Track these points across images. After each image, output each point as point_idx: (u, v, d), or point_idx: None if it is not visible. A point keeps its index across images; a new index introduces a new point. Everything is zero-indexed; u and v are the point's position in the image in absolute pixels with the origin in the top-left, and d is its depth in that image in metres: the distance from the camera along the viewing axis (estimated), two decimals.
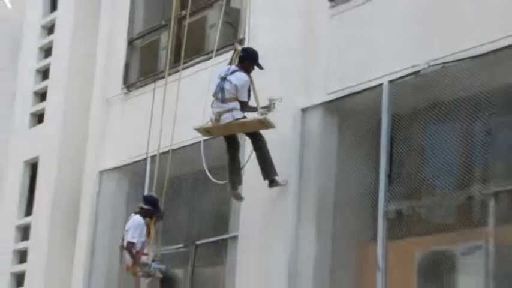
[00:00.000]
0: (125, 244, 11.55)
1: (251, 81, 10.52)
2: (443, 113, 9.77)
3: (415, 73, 9.74)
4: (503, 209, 8.93)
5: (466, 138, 9.66)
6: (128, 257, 11.59)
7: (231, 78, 10.42)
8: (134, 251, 11.42)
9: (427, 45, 9.72)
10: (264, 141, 10.55)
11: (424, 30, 9.83)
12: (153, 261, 11.69)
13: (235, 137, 10.78)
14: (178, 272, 12.56)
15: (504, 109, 9.19)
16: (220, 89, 10.44)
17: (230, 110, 10.38)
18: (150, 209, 11.69)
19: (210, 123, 10.62)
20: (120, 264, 12.06)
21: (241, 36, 11.89)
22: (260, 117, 10.35)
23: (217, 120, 10.46)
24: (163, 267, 11.74)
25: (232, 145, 10.76)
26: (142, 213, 11.65)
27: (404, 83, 9.89)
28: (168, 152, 12.51)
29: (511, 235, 8.77)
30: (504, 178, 9.13)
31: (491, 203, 8.90)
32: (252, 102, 10.56)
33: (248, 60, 10.59)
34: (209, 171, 11.52)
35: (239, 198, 10.93)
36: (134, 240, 11.39)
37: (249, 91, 10.44)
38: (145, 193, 12.73)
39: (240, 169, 10.80)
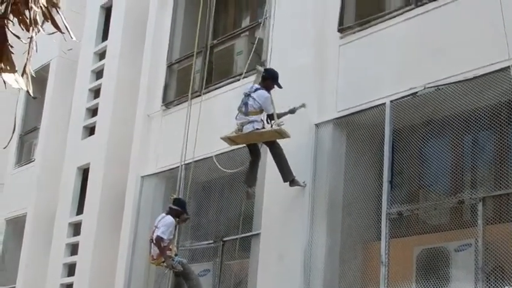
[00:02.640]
0: (154, 238, 11.48)
1: (271, 97, 10.43)
2: (438, 128, 9.67)
3: (413, 94, 9.63)
4: (490, 212, 8.80)
5: (457, 150, 9.54)
6: (154, 249, 11.51)
7: (254, 95, 10.33)
8: (162, 245, 11.34)
9: (423, 70, 9.63)
10: (281, 149, 10.40)
11: (420, 56, 9.75)
12: (176, 255, 11.62)
13: (256, 146, 10.65)
14: (208, 265, 12.47)
15: (489, 125, 9.06)
16: (244, 104, 10.35)
17: (251, 122, 10.29)
18: (178, 209, 11.63)
19: (234, 133, 10.52)
20: (149, 255, 11.92)
21: (263, 64, 11.80)
22: (276, 127, 10.23)
23: (240, 130, 10.37)
24: (184, 260, 11.68)
25: (254, 152, 10.66)
26: (172, 213, 11.58)
27: (404, 102, 9.77)
28: (200, 160, 12.45)
29: (497, 234, 8.61)
30: (490, 185, 9.01)
31: (480, 207, 8.73)
32: None
33: (269, 79, 10.49)
34: (233, 176, 11.47)
35: (251, 196, 10.76)
36: (164, 237, 11.29)
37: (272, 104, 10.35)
38: (181, 195, 12.65)
39: (256, 173, 10.63)
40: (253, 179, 10.60)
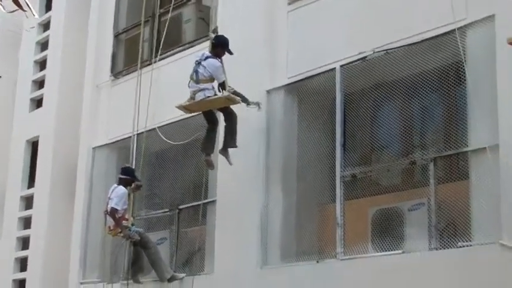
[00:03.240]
0: (108, 210, 11.58)
1: (222, 63, 10.51)
2: (388, 91, 9.88)
3: (363, 58, 9.81)
4: (441, 171, 9.07)
5: (408, 112, 9.78)
6: (110, 221, 11.62)
7: (204, 63, 10.40)
8: (117, 216, 11.46)
9: (372, 34, 9.80)
10: (234, 116, 10.52)
11: (368, 21, 9.91)
12: (132, 225, 11.75)
13: (212, 113, 10.73)
14: (164, 233, 12.60)
15: (438, 87, 9.31)
16: (195, 71, 10.43)
17: (202, 90, 10.37)
18: (128, 178, 11.75)
19: (187, 102, 10.58)
20: (104, 227, 12.01)
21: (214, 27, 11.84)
22: (226, 94, 10.31)
23: (192, 98, 10.46)
24: (141, 230, 11.82)
25: (210, 120, 10.75)
26: (122, 182, 11.68)
27: (354, 66, 9.96)
28: (152, 129, 12.51)
29: (448, 193, 8.89)
30: (440, 146, 9.28)
31: (431, 167, 9.00)
32: None
33: (219, 46, 10.55)
34: (186, 145, 11.60)
35: (210, 165, 10.82)
36: (118, 207, 11.42)
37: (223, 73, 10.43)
38: (133, 166, 12.73)
39: (213, 140, 10.70)
40: (210, 146, 10.69)
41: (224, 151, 10.55)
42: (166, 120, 12.33)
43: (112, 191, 11.69)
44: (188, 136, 11.85)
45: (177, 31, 13.06)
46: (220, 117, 10.80)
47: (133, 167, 12.35)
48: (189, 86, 10.51)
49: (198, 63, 10.44)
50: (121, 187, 11.61)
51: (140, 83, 12.76)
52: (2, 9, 4.36)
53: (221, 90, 10.39)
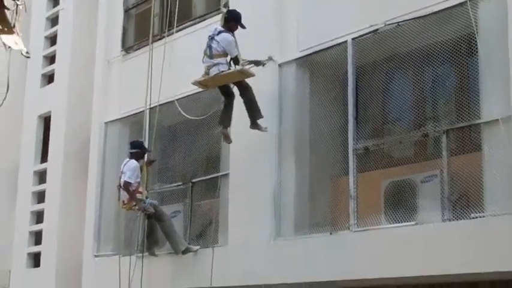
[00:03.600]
0: (122, 184, 11.68)
1: (234, 37, 10.54)
2: (400, 63, 9.89)
3: (374, 31, 9.83)
4: (453, 143, 9.11)
5: (420, 84, 9.81)
6: (124, 195, 11.72)
7: (217, 38, 10.42)
8: (131, 189, 11.56)
9: (383, 7, 9.80)
10: (250, 88, 10.55)
11: None
12: (147, 198, 11.86)
13: (228, 87, 10.75)
14: (178, 206, 12.70)
15: (450, 58, 9.32)
16: (209, 46, 10.45)
17: (216, 64, 10.39)
18: (138, 151, 11.85)
19: (202, 77, 10.61)
20: (118, 201, 12.12)
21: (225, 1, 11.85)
22: (240, 67, 10.34)
23: (207, 73, 10.50)
24: (155, 202, 11.93)
25: (226, 94, 10.79)
26: (134, 156, 11.79)
27: (365, 39, 9.97)
28: (165, 103, 12.56)
29: (460, 164, 8.94)
30: (453, 118, 9.31)
31: (444, 139, 9.05)
32: None
33: (232, 21, 10.56)
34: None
35: (227, 138, 10.85)
36: (131, 181, 11.55)
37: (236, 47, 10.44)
38: (146, 140, 12.83)
39: (230, 114, 10.74)
40: (227, 119, 10.74)
41: (254, 125, 10.61)
42: (179, 94, 12.37)
43: (124, 165, 11.80)
44: (201, 110, 11.91)
45: (188, 5, 13.06)
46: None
47: (142, 140, 12.41)
48: (203, 62, 10.54)
49: (211, 38, 10.46)
50: (133, 161, 11.72)
51: (152, 57, 12.76)
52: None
53: (234, 64, 10.41)
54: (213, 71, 10.41)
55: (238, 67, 10.36)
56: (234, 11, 10.72)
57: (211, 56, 10.43)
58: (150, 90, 12.53)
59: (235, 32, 10.54)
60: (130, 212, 12.27)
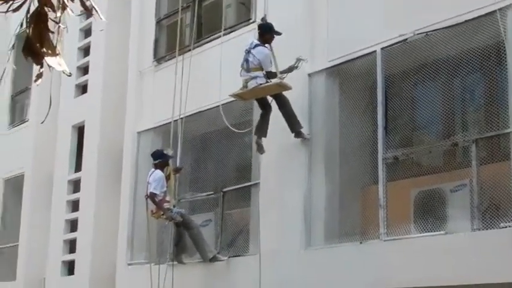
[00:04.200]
0: (148, 195, 11.82)
1: (271, 50, 10.61)
2: (429, 73, 9.91)
3: (403, 41, 9.84)
4: (482, 153, 9.09)
5: (449, 93, 9.81)
6: (152, 205, 11.86)
7: (253, 51, 10.55)
8: (157, 200, 11.71)
9: (412, 16, 9.81)
10: (287, 100, 10.66)
11: (408, 4, 9.93)
12: (174, 206, 11.97)
13: (265, 99, 10.86)
14: (209, 215, 12.78)
15: (479, 68, 9.31)
16: (245, 60, 10.58)
17: (254, 78, 10.52)
18: (161, 161, 11.96)
19: (240, 90, 10.74)
20: (146, 211, 12.25)
21: (252, 17, 11.96)
22: (278, 81, 10.47)
23: (245, 86, 10.64)
24: (182, 211, 12.02)
25: (263, 106, 10.92)
26: (158, 166, 11.92)
27: (394, 49, 9.99)
28: (195, 114, 12.65)
29: (490, 174, 8.92)
30: (482, 127, 9.30)
31: (473, 148, 9.03)
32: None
33: (266, 33, 10.68)
34: (229, 128, 11.74)
35: (261, 149, 10.90)
36: (156, 191, 11.70)
37: (271, 61, 10.54)
38: (179, 149, 12.92)
39: (267, 125, 10.83)
40: (263, 130, 10.84)
41: (297, 135, 10.72)
42: (209, 104, 12.45)
43: (150, 176, 11.95)
44: (231, 120, 11.97)
45: (218, 16, 13.15)
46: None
47: (162, 149, 12.47)
48: (240, 75, 10.67)
49: (248, 51, 10.59)
50: (158, 171, 11.88)
51: (182, 68, 12.83)
52: (71, 12, 4.53)
53: (268, 78, 10.48)
54: (251, 84, 10.55)
55: (276, 80, 10.48)
56: (265, 23, 10.82)
57: (248, 70, 10.56)
58: (180, 100, 12.55)
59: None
60: (160, 220, 12.38)
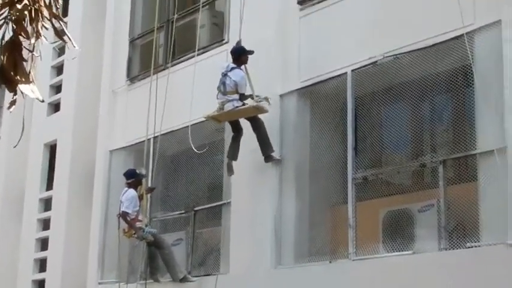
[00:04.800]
0: (120, 213, 11.85)
1: (246, 72, 10.74)
2: (398, 94, 10.04)
3: (373, 63, 10.00)
4: (450, 173, 9.24)
5: (417, 115, 9.95)
6: (123, 223, 11.88)
7: (230, 74, 10.69)
8: (129, 219, 11.74)
9: (381, 40, 9.97)
10: (261, 123, 10.80)
11: (378, 27, 10.08)
12: (146, 226, 11.99)
13: (238, 122, 11.02)
14: (180, 234, 12.80)
15: (447, 90, 9.47)
16: (222, 83, 10.72)
17: (231, 101, 10.67)
18: (133, 180, 11.99)
19: (216, 112, 10.87)
20: (118, 230, 12.26)
21: (225, 38, 12.09)
22: (254, 104, 10.64)
23: (221, 108, 10.77)
24: (154, 231, 12.04)
25: (235, 128, 11.07)
26: (132, 185, 11.95)
27: (365, 71, 10.13)
28: (167, 133, 12.70)
29: (457, 194, 9.06)
30: (449, 148, 9.44)
31: (440, 169, 9.16)
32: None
33: (240, 56, 10.83)
34: (200, 147, 11.81)
35: (231, 170, 11.05)
36: (128, 211, 11.73)
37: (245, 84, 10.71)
38: (150, 168, 12.96)
39: (238, 147, 10.98)
40: (235, 153, 10.99)
41: (267, 159, 10.82)
42: (181, 124, 12.51)
43: (123, 195, 11.97)
44: (202, 140, 12.04)
45: (192, 36, 13.24)
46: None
47: (134, 168, 12.49)
48: (217, 98, 10.81)
49: (225, 74, 10.71)
50: (131, 190, 11.91)
51: (156, 87, 12.91)
52: (45, 40, 4.63)
53: (241, 100, 10.62)
54: (228, 107, 10.69)
55: (252, 103, 10.64)
56: (236, 48, 10.96)
57: (224, 93, 10.70)
58: (154, 119, 12.61)
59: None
60: (131, 239, 12.38)
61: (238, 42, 11.20)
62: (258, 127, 10.81)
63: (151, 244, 12.03)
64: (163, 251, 11.97)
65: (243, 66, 10.78)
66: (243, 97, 10.64)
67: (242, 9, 11.24)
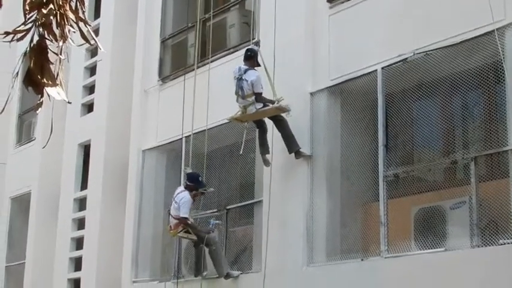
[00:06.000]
0: (172, 212, 11.84)
1: (267, 74, 10.80)
2: (428, 91, 10.01)
3: (403, 60, 9.95)
4: (481, 170, 9.19)
5: (448, 111, 9.91)
6: (172, 221, 11.89)
7: (245, 76, 10.74)
8: (189, 222, 11.80)
9: (412, 36, 9.93)
10: (284, 121, 10.88)
11: (408, 23, 10.04)
12: (211, 218, 12.03)
13: (262, 121, 11.10)
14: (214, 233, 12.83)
15: (478, 86, 9.40)
16: (240, 88, 10.79)
17: (252, 103, 10.77)
18: (193, 185, 11.97)
19: (239, 113, 10.97)
20: (165, 226, 12.30)
21: (255, 36, 12.10)
22: (277, 105, 10.72)
23: (243, 112, 10.90)
24: (220, 222, 12.09)
25: (259, 125, 11.16)
26: (188, 188, 11.93)
27: (395, 68, 10.09)
28: (199, 132, 12.77)
29: (489, 191, 9.00)
30: (481, 145, 9.38)
31: (472, 165, 9.11)
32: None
33: (254, 58, 10.95)
34: (233, 146, 11.86)
35: (267, 163, 11.16)
36: (187, 215, 11.72)
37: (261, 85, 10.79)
38: (182, 167, 13.06)
39: (266, 142, 11.08)
40: (265, 148, 11.10)
41: (297, 155, 10.87)
42: (214, 123, 12.56)
43: (177, 194, 11.92)
44: (235, 138, 12.08)
45: (222, 36, 13.30)
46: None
47: (199, 174, 12.42)
48: (237, 101, 10.92)
49: (240, 79, 10.76)
50: (186, 194, 11.80)
51: (194, 85, 12.95)
52: (72, 43, 4.70)
53: (257, 100, 10.72)
54: (251, 110, 10.81)
55: (276, 104, 10.72)
56: (254, 48, 11.00)
57: (243, 97, 10.77)
58: (192, 116, 12.65)
59: (268, 64, 10.84)
60: (167, 238, 12.44)
61: (257, 43, 11.25)
62: (282, 125, 10.89)
63: (198, 242, 12.01)
64: (210, 248, 11.94)
65: (258, 68, 10.83)
66: (259, 98, 10.67)
67: (275, 9, 11.29)
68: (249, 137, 11.89)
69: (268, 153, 11.07)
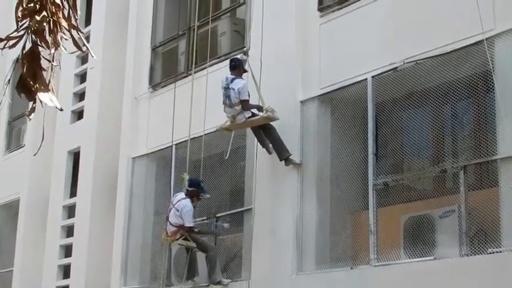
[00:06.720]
0: (171, 220, 11.74)
1: (255, 82, 10.88)
2: (418, 100, 10.05)
3: (394, 69, 10.01)
4: (471, 179, 9.23)
5: (438, 121, 9.95)
6: (170, 228, 11.83)
7: (232, 85, 10.81)
8: (196, 230, 11.82)
9: (402, 45, 9.99)
10: (273, 129, 10.94)
11: (399, 32, 10.11)
12: (217, 221, 12.03)
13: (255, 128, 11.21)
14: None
15: (467, 95, 9.46)
16: (227, 97, 10.86)
17: (241, 112, 10.85)
18: (194, 190, 11.94)
19: (228, 123, 11.05)
20: (159, 233, 12.27)
21: (246, 45, 12.14)
22: (265, 114, 10.81)
23: (233, 121, 10.97)
24: (226, 225, 12.09)
25: (255, 133, 11.25)
26: (189, 194, 11.86)
27: (385, 77, 10.16)
28: (186, 140, 12.76)
29: (478, 200, 9.05)
30: (470, 154, 9.43)
31: (461, 174, 9.16)
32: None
33: (239, 67, 11.07)
34: (222, 155, 11.87)
35: (271, 152, 11.12)
36: (192, 224, 11.71)
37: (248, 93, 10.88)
38: (172, 174, 13.07)
39: (265, 142, 11.13)
40: (266, 144, 11.14)
41: (287, 162, 10.90)
42: (204, 130, 12.55)
43: (178, 201, 11.80)
44: (225, 145, 12.10)
45: (213, 43, 13.33)
46: None
47: (201, 180, 12.32)
48: (225, 111, 10.96)
49: (227, 88, 10.81)
50: (188, 202, 11.70)
51: (192, 91, 12.94)
52: (64, 50, 4.73)
53: (243, 108, 10.80)
54: (240, 119, 10.84)
55: (264, 114, 10.77)
56: (238, 57, 11.17)
57: (231, 105, 10.83)
58: (189, 123, 12.62)
59: (260, 72, 10.90)
60: (157, 244, 12.42)
61: (246, 52, 11.30)
62: (271, 133, 10.97)
63: (194, 248, 11.99)
64: (208, 253, 11.92)
65: (245, 75, 10.90)
66: (245, 105, 10.72)
67: (265, 17, 11.35)
68: (239, 145, 11.93)
69: (289, 153, 11.00)
